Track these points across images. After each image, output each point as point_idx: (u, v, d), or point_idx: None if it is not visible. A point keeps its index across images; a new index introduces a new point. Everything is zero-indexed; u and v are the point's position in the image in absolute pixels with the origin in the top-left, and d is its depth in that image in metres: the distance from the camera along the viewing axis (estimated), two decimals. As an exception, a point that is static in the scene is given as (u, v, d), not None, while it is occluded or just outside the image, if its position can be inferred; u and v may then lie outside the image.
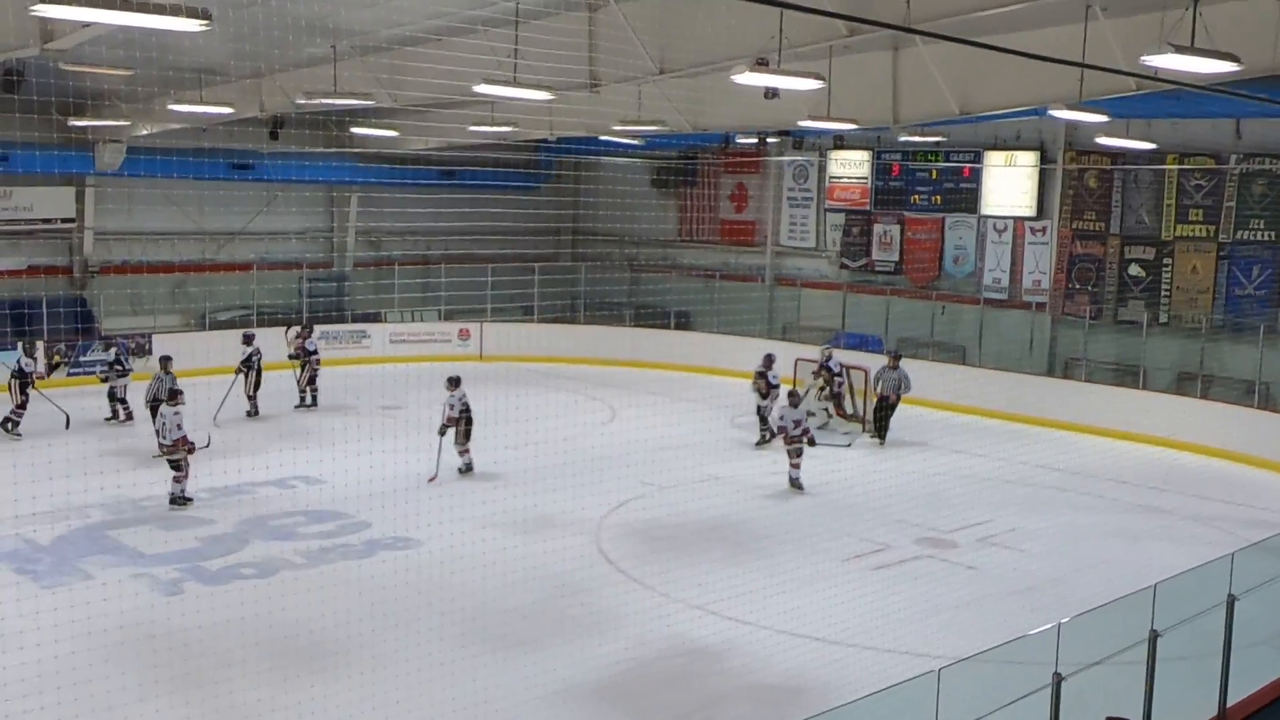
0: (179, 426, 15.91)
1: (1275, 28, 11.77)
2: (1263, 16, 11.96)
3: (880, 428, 21.19)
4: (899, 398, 21.09)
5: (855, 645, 11.56)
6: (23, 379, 19.54)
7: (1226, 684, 7.95)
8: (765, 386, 20.57)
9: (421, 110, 21.70)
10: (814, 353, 24.72)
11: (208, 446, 16.59)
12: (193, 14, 7.31)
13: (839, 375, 22.39)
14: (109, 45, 15.15)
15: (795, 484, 17.68)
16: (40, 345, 22.06)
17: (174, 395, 16.46)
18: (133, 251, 27.18)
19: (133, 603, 11.96)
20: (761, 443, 20.54)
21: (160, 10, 7.36)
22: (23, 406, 19.47)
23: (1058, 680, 6.50)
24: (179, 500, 15.72)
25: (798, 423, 17.81)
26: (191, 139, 24.87)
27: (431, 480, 17.11)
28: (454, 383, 17.97)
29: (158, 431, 16.50)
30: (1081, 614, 7.65)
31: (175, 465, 15.83)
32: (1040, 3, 11.88)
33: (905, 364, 21.68)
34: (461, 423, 17.69)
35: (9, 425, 19.21)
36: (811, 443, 17.91)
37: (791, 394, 18.65)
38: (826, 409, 22.10)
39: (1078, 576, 13.98)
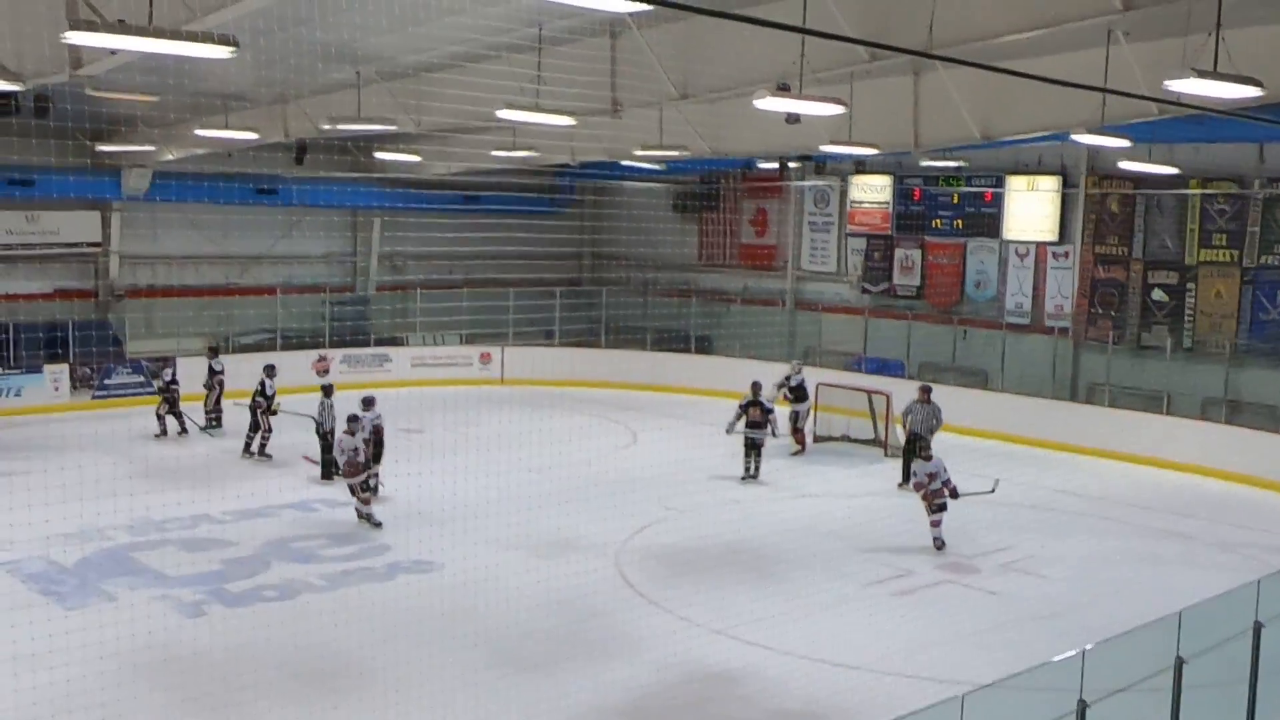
0: (356, 450, 16.32)
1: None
2: (1284, 41, 11.97)
3: (908, 466, 19.03)
4: (931, 435, 18.95)
5: (875, 671, 11.50)
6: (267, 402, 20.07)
7: (1254, 712, 7.88)
8: (762, 415, 19.59)
9: (444, 135, 21.89)
10: (835, 376, 24.75)
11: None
12: (221, 41, 7.40)
13: (788, 393, 22.07)
14: (137, 71, 15.32)
15: (938, 543, 15.90)
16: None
17: (351, 420, 16.74)
18: (158, 275, 27.43)
19: (155, 624, 11.99)
20: (748, 476, 19.57)
21: (189, 37, 7.45)
22: (268, 430, 20.04)
23: (1082, 707, 6.45)
24: (368, 519, 16.17)
25: (933, 475, 16.00)
26: (217, 164, 25.13)
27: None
28: (368, 403, 17.85)
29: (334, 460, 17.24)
30: (1106, 640, 7.60)
31: (363, 486, 16.35)
32: (1062, 28, 11.87)
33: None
34: (370, 445, 17.22)
35: (257, 449, 20.02)
36: (954, 495, 16.08)
37: (923, 447, 16.85)
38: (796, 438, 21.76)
39: (1100, 603, 13.87)
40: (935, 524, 15.92)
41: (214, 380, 21.68)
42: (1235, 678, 7.84)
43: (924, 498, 16.05)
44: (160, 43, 7.59)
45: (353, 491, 16.29)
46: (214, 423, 21.74)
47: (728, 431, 19.57)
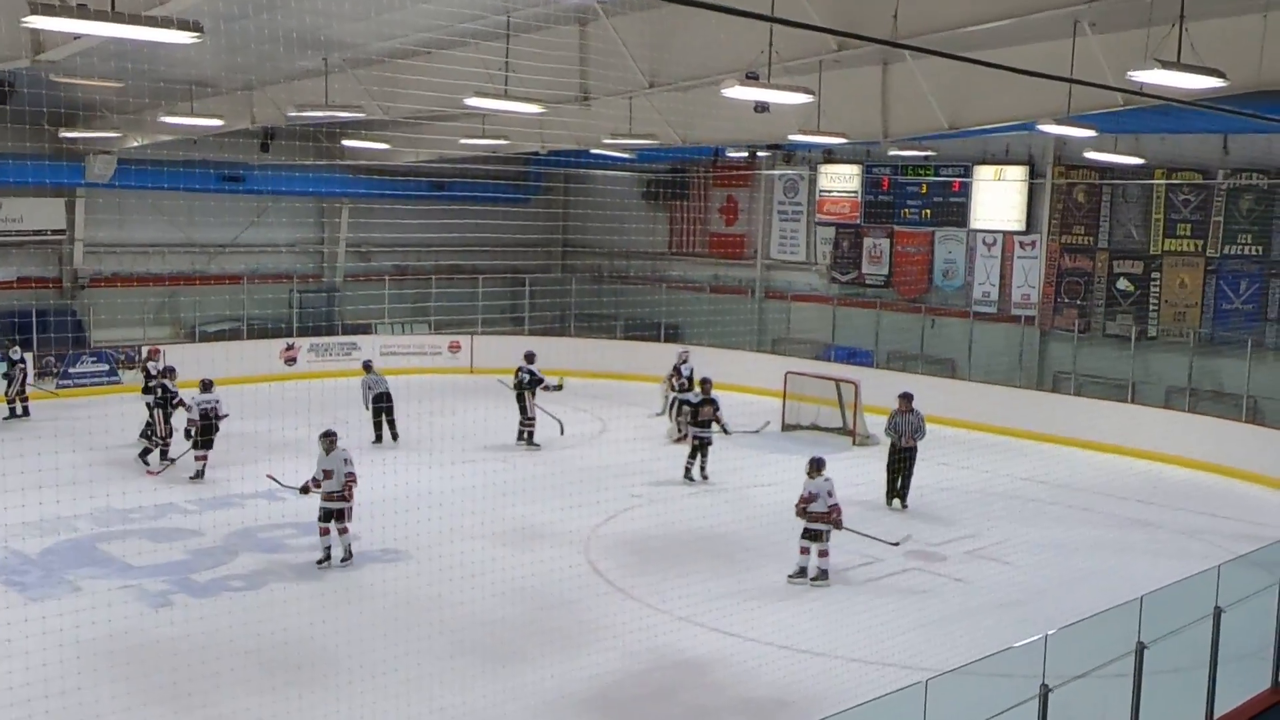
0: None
1: (1260, 44, 11.86)
2: (1248, 33, 12.06)
3: (902, 486, 17.64)
4: (915, 445, 17.72)
5: (843, 658, 11.57)
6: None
7: (1213, 696, 7.98)
8: (713, 412, 19.07)
9: (412, 123, 21.77)
10: (804, 365, 24.82)
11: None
12: (184, 26, 7.33)
13: (683, 380, 22.17)
14: (100, 57, 15.15)
15: (823, 575, 14.11)
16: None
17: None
18: (123, 263, 27.19)
19: (120, 614, 11.91)
20: (690, 478, 18.92)
21: (151, 23, 7.38)
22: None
23: (1044, 692, 6.51)
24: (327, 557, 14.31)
25: (813, 495, 14.17)
26: (182, 151, 24.87)
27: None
28: (205, 386, 18.06)
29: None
30: (1068, 626, 7.67)
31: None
32: (1029, 18, 11.94)
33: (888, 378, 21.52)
34: (198, 429, 17.42)
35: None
36: (838, 525, 14.16)
37: (814, 461, 14.55)
38: (680, 425, 21.38)
39: (1066, 589, 14.00)
40: (804, 550, 14.11)
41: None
42: (1196, 662, 7.94)
43: (799, 514, 14.24)
44: (122, 28, 7.51)
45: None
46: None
47: (677, 435, 19.10)
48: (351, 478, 14.20)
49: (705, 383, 19.48)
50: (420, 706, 10.09)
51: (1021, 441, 22.49)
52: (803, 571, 14.14)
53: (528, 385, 20.38)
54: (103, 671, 10.62)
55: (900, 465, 17.72)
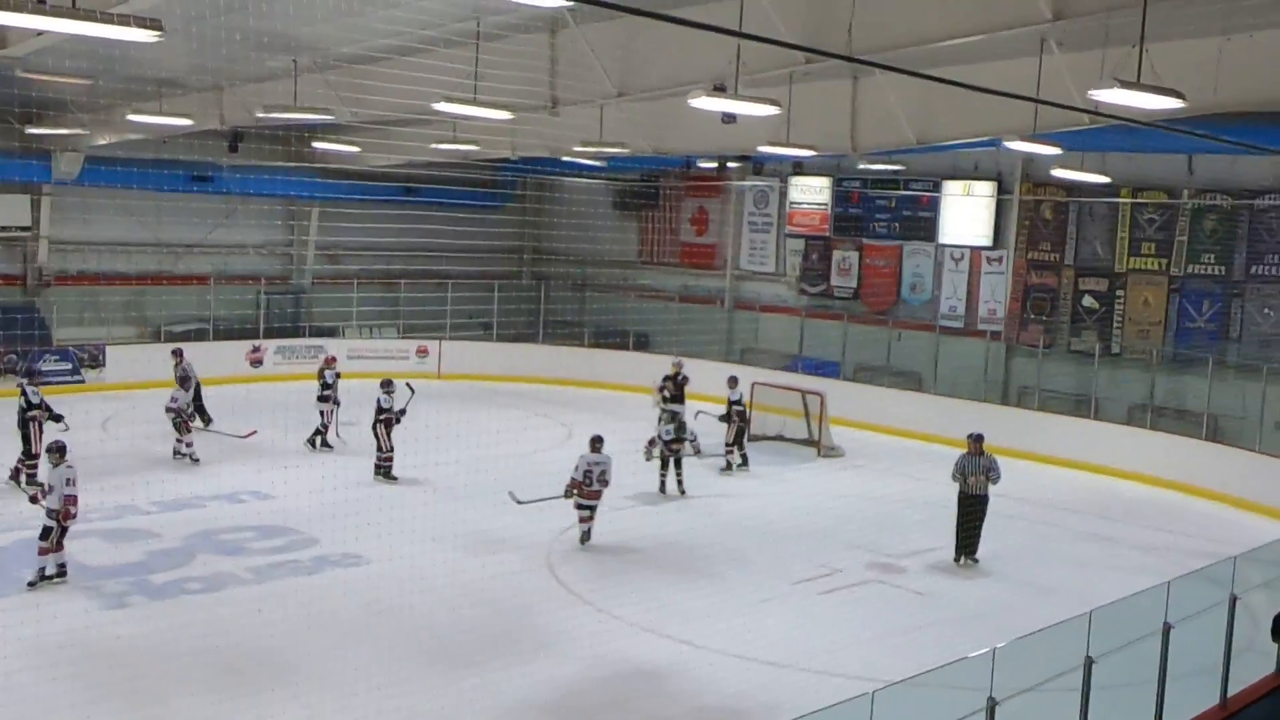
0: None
1: (1217, 67, 12.01)
2: (1206, 56, 12.21)
3: (971, 539, 15.80)
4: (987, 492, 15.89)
5: (801, 669, 11.62)
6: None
7: (1161, 711, 8.04)
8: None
9: (383, 127, 21.72)
10: (771, 376, 24.87)
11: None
12: (144, 25, 7.29)
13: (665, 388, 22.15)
14: (68, 54, 15.07)
15: (586, 537, 15.65)
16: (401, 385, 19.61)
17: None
18: (88, 261, 26.97)
19: (76, 616, 11.82)
20: (665, 490, 18.82)
21: (111, 20, 7.34)
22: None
23: (991, 705, 6.56)
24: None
25: (590, 471, 15.53)
26: (151, 150, 24.78)
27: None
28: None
29: None
30: (1019, 639, 7.72)
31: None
32: (996, 35, 12.04)
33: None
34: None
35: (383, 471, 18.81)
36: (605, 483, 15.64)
37: (595, 439, 15.90)
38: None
39: (1024, 604, 14.10)
40: (583, 519, 15.61)
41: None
42: (1144, 678, 8.00)
43: (576, 489, 15.53)
44: (83, 24, 7.46)
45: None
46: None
47: (647, 458, 18.98)
48: (71, 500, 13.10)
49: (681, 424, 19.33)
50: (377, 713, 10.04)
51: (985, 455, 22.55)
52: (588, 534, 15.64)
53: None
54: (55, 673, 10.49)
55: (970, 515, 15.70)
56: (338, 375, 21.05)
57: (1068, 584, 14.95)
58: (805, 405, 23.01)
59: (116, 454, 18.21)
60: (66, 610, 11.98)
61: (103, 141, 23.24)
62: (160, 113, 19.38)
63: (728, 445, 20.72)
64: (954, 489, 15.92)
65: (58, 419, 17.25)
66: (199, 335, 27.06)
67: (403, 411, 18.62)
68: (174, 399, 18.92)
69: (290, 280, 30.56)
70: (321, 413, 20.58)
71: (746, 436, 21.14)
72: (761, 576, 14.61)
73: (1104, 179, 21.89)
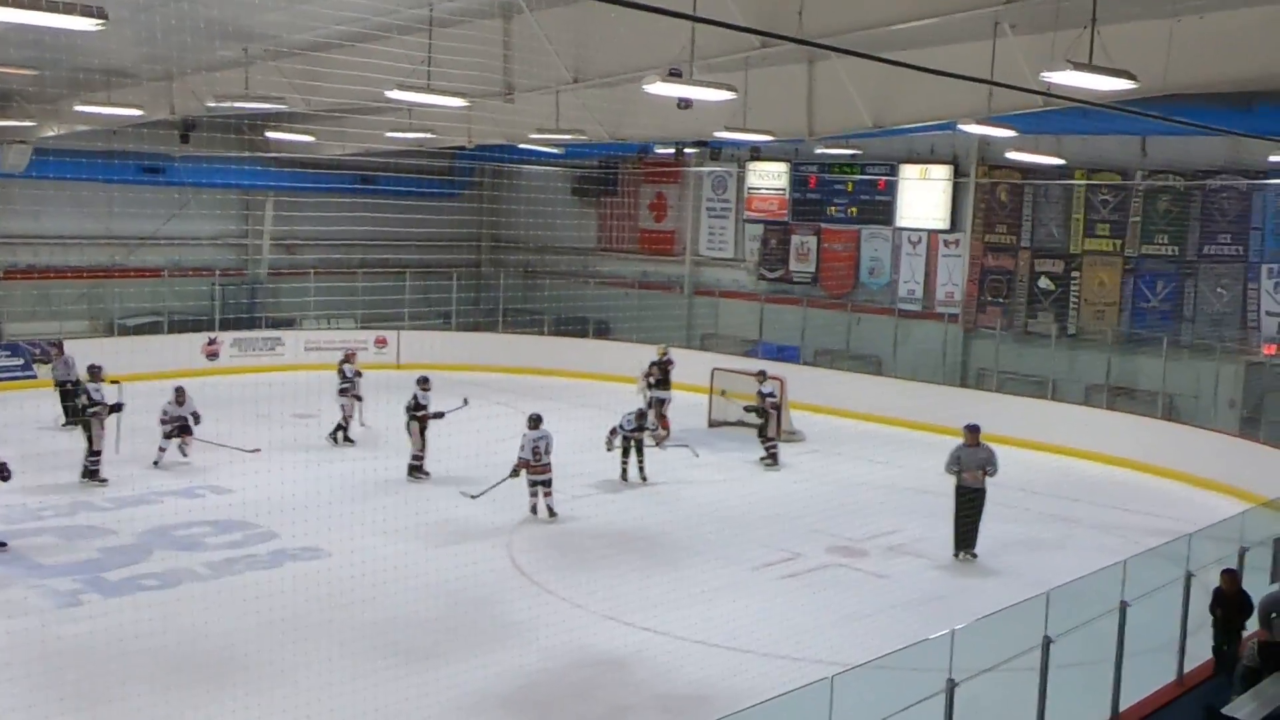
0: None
1: (1167, 48, 12.08)
2: (1156, 38, 12.28)
3: (969, 533, 15.39)
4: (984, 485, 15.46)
5: (764, 654, 11.63)
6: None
7: (1119, 689, 8.11)
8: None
9: (337, 115, 21.51)
10: (731, 361, 24.89)
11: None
12: (87, 12, 7.15)
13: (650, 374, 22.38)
14: (13, 45, 14.81)
15: (551, 512, 16.32)
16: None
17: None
18: (39, 255, 26.58)
19: (27, 615, 11.65)
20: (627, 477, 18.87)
21: (53, 8, 7.19)
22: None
23: (951, 686, 6.58)
24: None
25: (536, 447, 16.28)
26: (101, 141, 24.42)
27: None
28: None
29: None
30: (977, 620, 7.76)
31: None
32: (950, 18, 12.04)
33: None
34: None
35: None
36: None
37: (534, 417, 16.72)
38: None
39: (984, 585, 14.21)
40: (548, 494, 16.35)
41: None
42: (1101, 656, 8.06)
43: (524, 466, 16.32)
44: (24, 13, 7.31)
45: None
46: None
47: (608, 449, 18.88)
48: None
49: (641, 414, 19.27)
50: (338, 707, 9.96)
51: (945, 438, 22.51)
52: (535, 509, 16.15)
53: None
54: (7, 671, 10.34)
55: (968, 509, 15.32)
56: (358, 372, 20.93)
57: (1028, 564, 15.07)
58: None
59: (70, 449, 17.98)
60: (20, 609, 11.81)
61: (51, 133, 22.87)
62: (109, 103, 19.09)
63: (763, 439, 20.59)
64: (927, 476, 15.91)
65: (118, 409, 17.90)
66: (153, 328, 26.74)
67: (439, 414, 18.26)
68: (165, 411, 18.38)
69: (245, 272, 30.25)
70: (342, 406, 20.55)
71: (775, 431, 20.89)
72: (722, 563, 14.62)
73: (1059, 161, 22.00)
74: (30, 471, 16.48)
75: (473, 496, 16.21)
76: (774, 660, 11.37)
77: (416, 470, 18.22)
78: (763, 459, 20.37)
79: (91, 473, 17.23)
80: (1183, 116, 15.03)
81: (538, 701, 10.66)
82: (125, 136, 24.14)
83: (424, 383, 18.70)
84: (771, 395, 20.92)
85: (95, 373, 18.33)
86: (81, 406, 17.70)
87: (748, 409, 21.18)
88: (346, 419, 20.56)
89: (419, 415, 18.24)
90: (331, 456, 17.76)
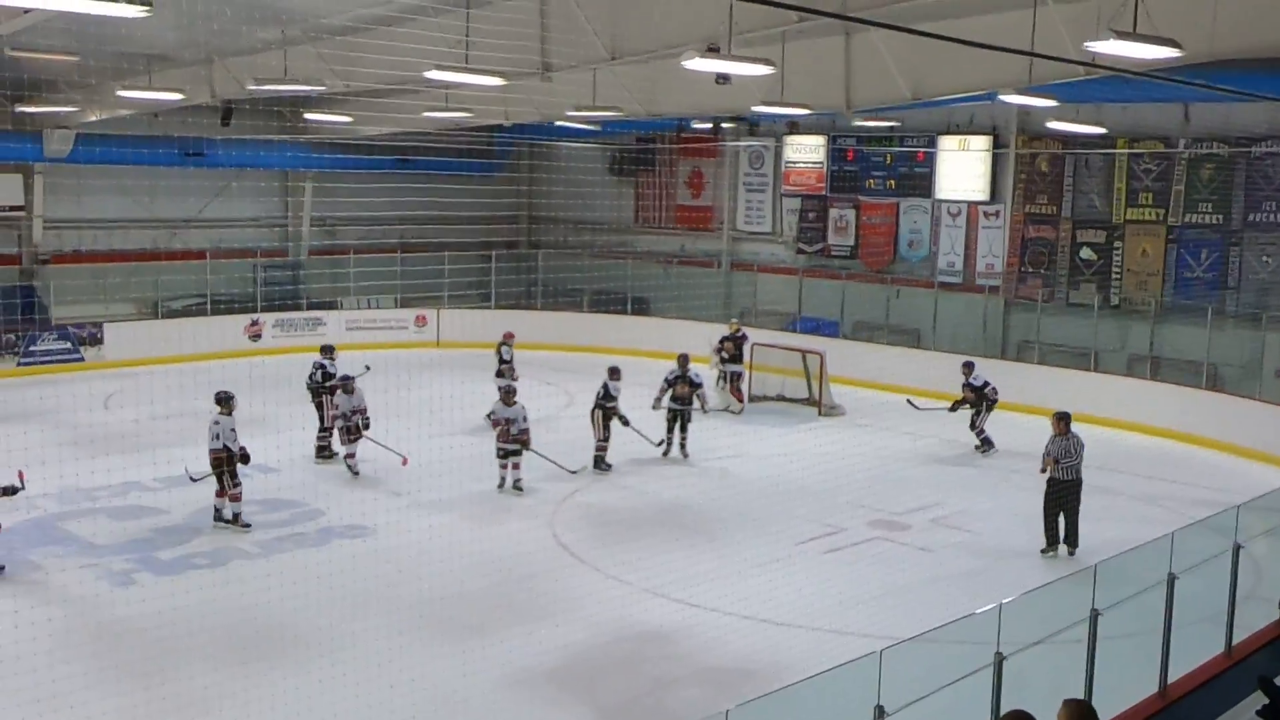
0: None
1: (1213, 15, 11.91)
2: (1202, 4, 12.10)
3: (1068, 527, 14.49)
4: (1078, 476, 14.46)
5: (806, 628, 11.67)
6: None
7: (1167, 661, 8.09)
8: (690, 390, 18.95)
9: (374, 97, 21.59)
10: (770, 336, 24.85)
11: None
12: (131, 0, 7.24)
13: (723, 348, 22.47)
14: (56, 31, 14.95)
15: (517, 486, 16.43)
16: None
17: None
18: (83, 240, 26.92)
19: (83, 593, 11.89)
20: (669, 450, 18.85)
21: (101, -3, 7.29)
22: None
23: (999, 660, 6.59)
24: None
25: (510, 420, 16.41)
26: (142, 126, 24.65)
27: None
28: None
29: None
30: (1026, 593, 7.76)
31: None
32: (989, -12, 11.97)
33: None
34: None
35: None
36: (526, 445, 16.47)
37: (508, 389, 16.99)
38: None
39: (1027, 558, 14.17)
40: (503, 467, 16.36)
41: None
42: (1149, 628, 8.04)
43: (501, 439, 16.45)
44: (71, 1, 7.42)
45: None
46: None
47: (654, 408, 18.93)
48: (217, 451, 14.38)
49: (683, 360, 19.29)
50: (384, 680, 10.11)
51: (986, 410, 22.57)
52: (503, 483, 16.28)
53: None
54: (63, 650, 10.57)
55: (1061, 502, 14.40)
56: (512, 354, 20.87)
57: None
58: (805, 365, 23.01)
59: (120, 432, 18.22)
60: (75, 590, 12.04)
61: (93, 118, 23.12)
62: (150, 88, 19.28)
63: (975, 430, 19.97)
64: (967, 450, 15.70)
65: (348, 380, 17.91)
66: (197, 310, 27.04)
67: (625, 419, 18.00)
68: (336, 405, 17.52)
69: (287, 253, 30.50)
70: (499, 388, 20.45)
71: (985, 419, 20.03)
72: (766, 537, 14.66)
73: (1100, 130, 21.80)
74: (82, 453, 16.80)
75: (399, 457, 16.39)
76: (818, 634, 11.42)
77: (600, 461, 17.88)
78: (977, 447, 19.77)
79: (320, 449, 17.86)
80: (1227, 83, 14.82)
81: (583, 674, 10.76)
82: (166, 121, 24.39)
83: (614, 373, 18.25)
84: (982, 387, 19.99)
85: (328, 351, 19.07)
86: (317, 383, 18.35)
87: (953, 407, 20.21)
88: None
89: (608, 406, 17.98)
90: (376, 434, 17.87)
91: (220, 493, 14.59)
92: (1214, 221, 22.85)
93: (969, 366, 20.33)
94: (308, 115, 24.93)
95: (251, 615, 11.53)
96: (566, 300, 31.04)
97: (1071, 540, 14.45)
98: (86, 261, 26.48)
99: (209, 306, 27.22)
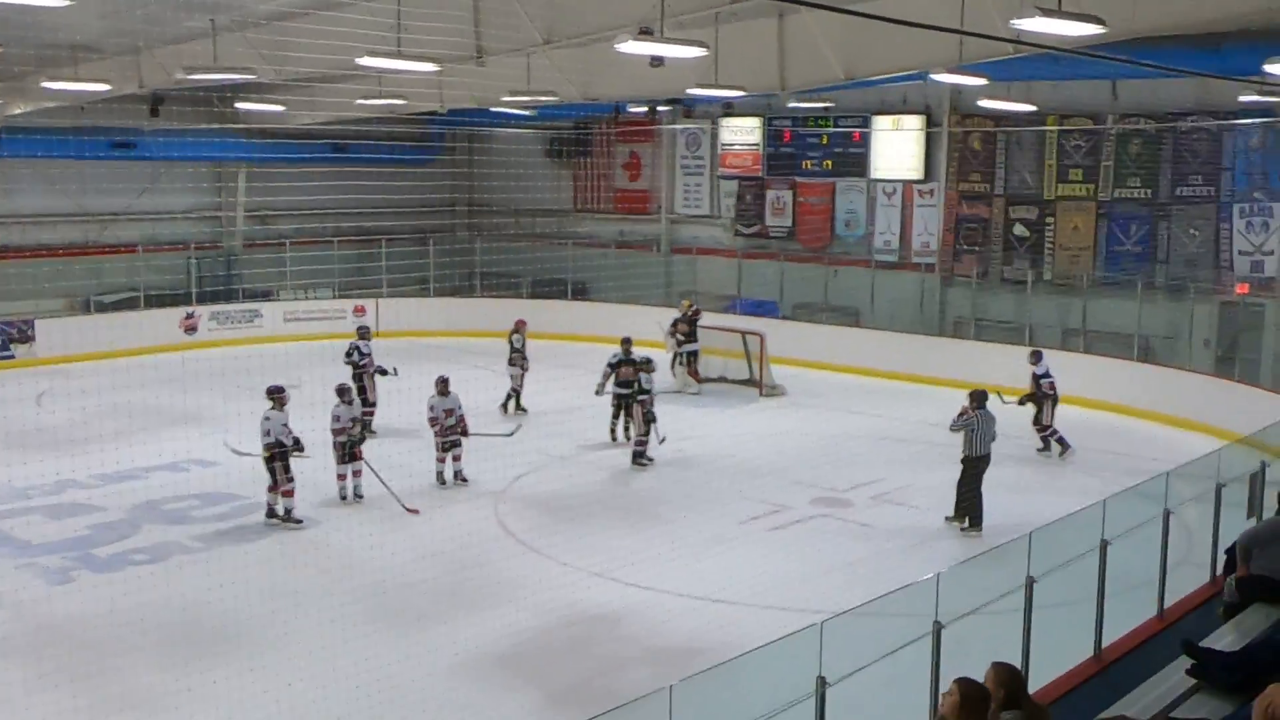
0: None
1: (1135, -9, 12.12)
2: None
3: (978, 502, 14.80)
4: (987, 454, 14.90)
5: (753, 605, 11.78)
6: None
7: (1101, 626, 8.26)
8: (634, 372, 18.35)
9: (308, 84, 21.37)
10: (711, 318, 24.93)
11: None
12: (55, -11, 7.12)
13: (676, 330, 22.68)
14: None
15: (461, 478, 16.22)
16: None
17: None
18: (11, 234, 26.39)
19: (18, 594, 11.71)
20: (617, 439, 18.74)
21: (21, -14, 7.16)
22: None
23: (938, 629, 6.71)
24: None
25: (450, 411, 16.15)
26: (70, 117, 24.16)
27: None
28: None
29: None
30: (961, 563, 7.89)
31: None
32: (918, -32, 12.07)
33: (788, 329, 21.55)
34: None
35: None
36: (465, 432, 16.25)
37: (442, 379, 16.27)
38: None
39: (968, 529, 14.36)
40: (441, 459, 16.17)
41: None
42: (1084, 594, 8.20)
43: (437, 432, 16.16)
44: (-9, -8, 7.28)
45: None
46: None
47: (598, 393, 18.85)
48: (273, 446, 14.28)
49: (626, 342, 19.06)
50: (333, 673, 10.06)
51: (924, 387, 22.87)
52: (441, 476, 16.13)
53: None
54: (4, 653, 10.42)
55: (977, 478, 14.80)
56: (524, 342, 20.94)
57: (1008, 508, 15.17)
58: (745, 346, 23.15)
59: (53, 428, 17.92)
60: (11, 588, 11.86)
61: (18, 110, 22.65)
62: (76, 79, 18.90)
63: (1039, 426, 18.69)
64: (907, 425, 15.89)
65: (384, 372, 18.73)
66: (130, 305, 26.64)
67: (654, 419, 17.70)
68: (336, 416, 15.87)
69: (221, 244, 30.10)
70: (511, 376, 20.61)
71: (1051, 414, 18.64)
72: (710, 518, 14.77)
73: (1030, 108, 22.11)
74: (15, 452, 16.52)
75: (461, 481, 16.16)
76: (763, 611, 11.53)
77: (640, 456, 17.63)
78: (1040, 449, 18.63)
79: (365, 424, 17.52)
80: (1152, 59, 15.09)
81: (533, 658, 10.79)
82: (94, 112, 23.87)
83: (647, 364, 18.16)
84: (1047, 377, 18.56)
85: (364, 332, 19.57)
86: (354, 363, 18.73)
87: (1022, 401, 18.52)
88: (515, 389, 20.56)
89: (640, 400, 17.82)
90: (316, 424, 17.74)
91: (273, 487, 14.36)
92: (1143, 196, 23.26)
93: (1036, 355, 19.02)
94: (239, 104, 24.60)
95: (193, 611, 11.44)
96: (506, 286, 30.93)
97: (976, 519, 14.69)
98: (15, 257, 25.94)
99: (142, 300, 26.81)
